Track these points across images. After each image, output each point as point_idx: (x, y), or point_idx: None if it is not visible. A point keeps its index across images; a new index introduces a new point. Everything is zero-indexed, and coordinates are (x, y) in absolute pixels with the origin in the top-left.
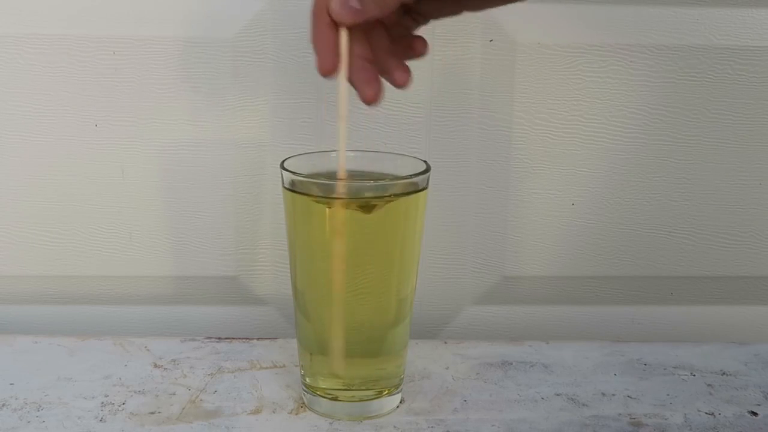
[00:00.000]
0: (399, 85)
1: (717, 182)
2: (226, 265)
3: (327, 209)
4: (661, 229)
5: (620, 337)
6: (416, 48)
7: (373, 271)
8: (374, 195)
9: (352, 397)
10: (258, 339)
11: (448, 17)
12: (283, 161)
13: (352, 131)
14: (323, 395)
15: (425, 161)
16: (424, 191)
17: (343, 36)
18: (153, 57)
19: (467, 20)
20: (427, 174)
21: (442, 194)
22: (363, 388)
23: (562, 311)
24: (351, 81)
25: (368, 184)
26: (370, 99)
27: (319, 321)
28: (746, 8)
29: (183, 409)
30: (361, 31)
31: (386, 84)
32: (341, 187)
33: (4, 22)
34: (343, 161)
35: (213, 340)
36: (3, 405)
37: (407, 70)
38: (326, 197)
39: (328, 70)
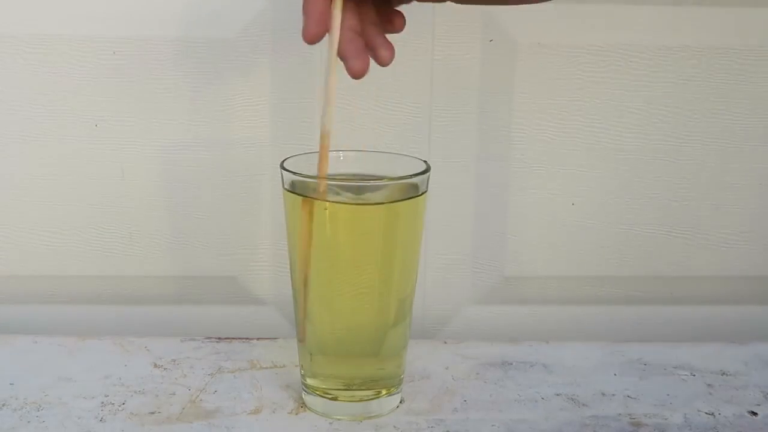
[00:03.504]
0: (383, 62)
1: (717, 182)
2: (225, 265)
3: (326, 209)
4: (661, 229)
5: (620, 337)
6: (395, 23)
7: (373, 271)
8: (374, 195)
9: (352, 397)
10: (258, 339)
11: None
12: (283, 161)
13: (353, 131)
14: (323, 395)
15: (425, 161)
16: (424, 191)
17: (338, 3)
18: (153, 57)
19: (467, 20)
20: (427, 174)
21: (443, 194)
22: (363, 388)
23: (562, 311)
24: (340, 54)
25: (368, 184)
26: (359, 72)
27: (319, 321)
28: (746, 8)
29: (183, 409)
30: (353, 1)
31: (385, 84)
32: (341, 187)
33: (4, 22)
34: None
35: (213, 340)
36: (3, 405)
37: (391, 47)
38: (326, 198)
39: (313, 37)
